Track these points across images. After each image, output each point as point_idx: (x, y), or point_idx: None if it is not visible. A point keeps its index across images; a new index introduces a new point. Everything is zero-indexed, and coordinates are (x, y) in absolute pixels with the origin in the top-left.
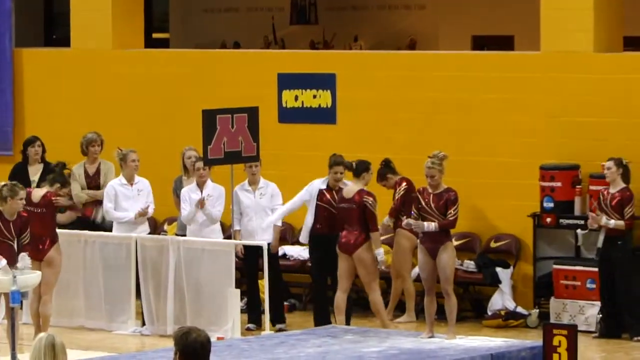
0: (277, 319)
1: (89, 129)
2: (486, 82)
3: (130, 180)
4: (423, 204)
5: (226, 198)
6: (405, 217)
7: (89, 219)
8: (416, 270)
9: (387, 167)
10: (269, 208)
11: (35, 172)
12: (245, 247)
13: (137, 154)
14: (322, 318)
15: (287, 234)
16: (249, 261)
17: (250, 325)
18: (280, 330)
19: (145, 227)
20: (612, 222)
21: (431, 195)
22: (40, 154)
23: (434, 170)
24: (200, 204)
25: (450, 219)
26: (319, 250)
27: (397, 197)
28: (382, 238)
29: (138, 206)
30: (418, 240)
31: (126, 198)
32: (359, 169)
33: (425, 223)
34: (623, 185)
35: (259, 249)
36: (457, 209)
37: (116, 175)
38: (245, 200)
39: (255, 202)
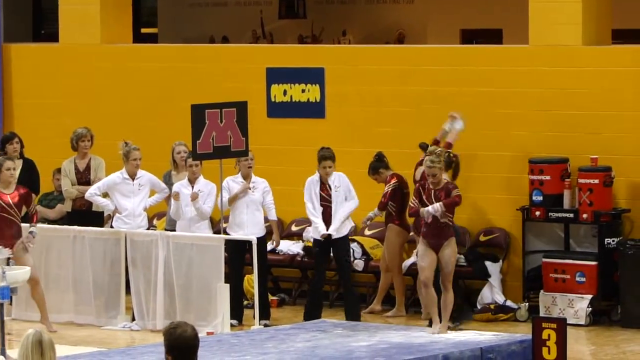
0: (263, 314)
1: (79, 124)
2: (475, 76)
3: (132, 176)
4: (424, 197)
5: (217, 194)
6: (394, 213)
7: (79, 213)
8: (406, 264)
9: (379, 161)
10: (260, 203)
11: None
12: (233, 241)
13: (140, 152)
14: (314, 313)
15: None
16: (235, 255)
17: (233, 321)
18: (265, 326)
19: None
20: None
21: (432, 192)
22: (18, 150)
23: (434, 169)
24: (174, 196)
25: (455, 196)
26: (325, 244)
27: (386, 192)
28: (371, 232)
29: (138, 200)
30: (420, 235)
31: (127, 192)
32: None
33: (430, 207)
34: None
35: (246, 243)
36: (458, 190)
37: (106, 171)
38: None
39: (247, 196)
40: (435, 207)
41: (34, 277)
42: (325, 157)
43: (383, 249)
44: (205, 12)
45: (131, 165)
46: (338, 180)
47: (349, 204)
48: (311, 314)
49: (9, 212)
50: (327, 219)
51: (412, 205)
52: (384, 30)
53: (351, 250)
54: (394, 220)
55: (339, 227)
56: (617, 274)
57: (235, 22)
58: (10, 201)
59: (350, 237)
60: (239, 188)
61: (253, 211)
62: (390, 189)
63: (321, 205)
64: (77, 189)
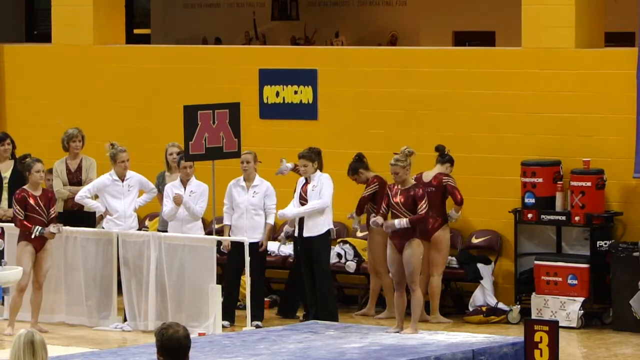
0: (257, 316)
1: (71, 125)
2: (467, 78)
3: (121, 177)
4: (392, 201)
5: (209, 195)
6: (373, 214)
7: (70, 214)
8: None
9: (359, 162)
10: (260, 208)
11: (6, 168)
12: (232, 243)
13: (127, 154)
14: (288, 310)
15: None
16: (233, 258)
17: (225, 322)
18: (257, 327)
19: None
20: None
21: (399, 191)
22: (10, 151)
23: (397, 167)
24: (177, 200)
25: (421, 213)
26: (301, 243)
27: (364, 195)
28: (363, 234)
29: (128, 201)
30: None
31: (117, 193)
32: (447, 157)
33: (396, 221)
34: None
35: (243, 245)
36: (426, 203)
37: (98, 171)
38: (237, 197)
39: (247, 200)
40: (401, 223)
41: (40, 281)
42: (299, 156)
43: (368, 252)
44: (198, 14)
45: (119, 167)
46: (318, 180)
47: (313, 202)
48: (284, 310)
49: (39, 212)
50: (302, 217)
51: (382, 211)
52: (377, 32)
53: (331, 252)
54: None
55: (311, 227)
56: (609, 276)
57: (228, 23)
58: (40, 202)
59: (342, 240)
60: (224, 243)
61: (252, 215)
62: (368, 192)
63: (300, 202)
64: (68, 190)
